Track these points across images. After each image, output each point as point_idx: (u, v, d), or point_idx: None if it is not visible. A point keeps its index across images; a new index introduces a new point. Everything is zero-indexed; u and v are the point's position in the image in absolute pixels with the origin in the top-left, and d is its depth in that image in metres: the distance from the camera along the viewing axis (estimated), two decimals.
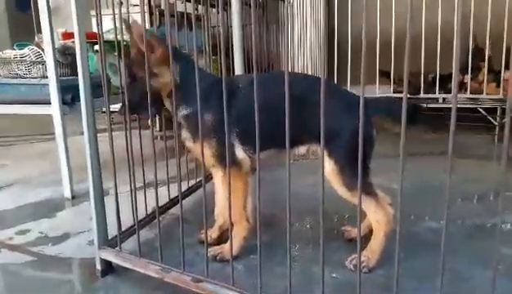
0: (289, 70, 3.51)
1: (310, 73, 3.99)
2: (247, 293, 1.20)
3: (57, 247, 1.76)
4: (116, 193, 1.47)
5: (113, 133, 1.44)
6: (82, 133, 1.45)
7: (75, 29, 1.37)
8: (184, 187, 2.10)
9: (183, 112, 1.51)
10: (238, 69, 2.54)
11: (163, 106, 1.56)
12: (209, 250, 1.50)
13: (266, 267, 1.47)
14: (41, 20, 2.10)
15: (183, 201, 1.94)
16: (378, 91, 3.54)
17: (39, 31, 2.23)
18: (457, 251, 1.59)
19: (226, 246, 1.45)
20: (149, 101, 1.32)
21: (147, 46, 1.33)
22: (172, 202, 1.94)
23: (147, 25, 4.73)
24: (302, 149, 1.54)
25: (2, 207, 2.22)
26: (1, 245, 1.78)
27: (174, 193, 1.96)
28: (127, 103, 1.40)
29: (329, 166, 1.41)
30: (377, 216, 1.45)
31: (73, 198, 2.27)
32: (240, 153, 1.50)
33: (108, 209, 1.52)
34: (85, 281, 1.51)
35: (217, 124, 1.43)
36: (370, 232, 1.51)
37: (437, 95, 3.49)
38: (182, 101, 1.48)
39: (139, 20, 1.45)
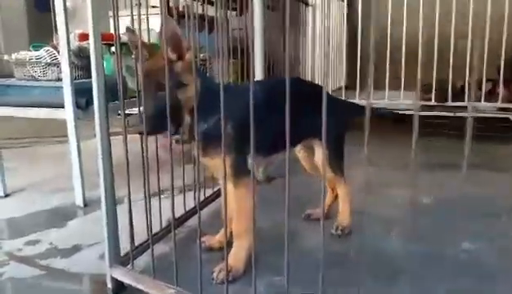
0: (309, 75, 3.39)
1: (330, 77, 3.87)
2: None
3: (67, 261, 1.66)
4: (130, 205, 1.37)
5: (129, 136, 1.36)
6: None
7: (90, 31, 1.28)
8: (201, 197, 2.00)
9: (201, 128, 1.40)
10: (258, 74, 2.43)
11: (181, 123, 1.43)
12: (214, 273, 1.46)
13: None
14: (57, 21, 2.02)
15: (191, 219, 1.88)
16: (403, 97, 3.39)
17: (57, 32, 2.16)
18: (494, 275, 1.47)
19: (233, 261, 1.48)
20: (168, 116, 1.21)
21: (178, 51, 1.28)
22: (189, 213, 1.84)
23: None
24: (298, 147, 1.89)
25: (12, 215, 2.14)
26: (9, 257, 1.69)
27: (191, 202, 1.87)
28: (144, 120, 1.27)
29: (321, 154, 1.73)
30: (345, 190, 1.86)
31: (85, 205, 2.18)
32: (249, 161, 1.48)
33: (120, 220, 1.42)
34: None
35: (236, 136, 1.42)
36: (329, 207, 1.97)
37: (465, 103, 3.32)
38: (200, 116, 1.37)
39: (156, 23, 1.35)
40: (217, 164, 1.39)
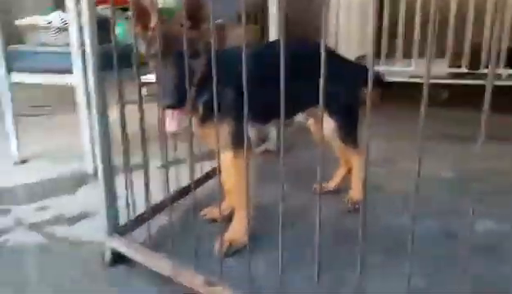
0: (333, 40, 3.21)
1: (356, 43, 3.68)
2: None
3: (71, 228, 1.67)
4: (126, 174, 1.33)
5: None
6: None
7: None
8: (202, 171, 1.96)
9: (204, 97, 1.33)
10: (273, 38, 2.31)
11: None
12: (215, 247, 1.43)
13: (292, 266, 1.33)
14: None
15: (201, 187, 1.83)
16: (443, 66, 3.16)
17: None
18: None
19: (230, 235, 1.46)
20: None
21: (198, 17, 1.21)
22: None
23: None
24: (300, 116, 1.76)
25: (26, 181, 2.17)
26: (18, 222, 1.71)
27: (197, 175, 1.83)
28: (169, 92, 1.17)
29: (329, 125, 1.61)
30: (359, 162, 1.75)
31: (95, 174, 2.18)
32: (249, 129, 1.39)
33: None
34: (94, 269, 1.40)
35: (236, 103, 1.30)
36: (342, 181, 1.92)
37: (501, 70, 3.07)
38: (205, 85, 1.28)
39: None
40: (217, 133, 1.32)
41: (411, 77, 3.15)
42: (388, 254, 1.43)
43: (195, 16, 1.23)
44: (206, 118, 1.37)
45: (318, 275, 0.93)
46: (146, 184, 1.35)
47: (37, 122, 3.42)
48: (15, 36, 2.49)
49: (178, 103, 1.18)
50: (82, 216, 1.76)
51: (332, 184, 1.94)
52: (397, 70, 3.22)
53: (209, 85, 1.29)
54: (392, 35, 3.25)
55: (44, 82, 2.22)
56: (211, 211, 1.68)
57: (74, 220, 1.75)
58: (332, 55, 1.69)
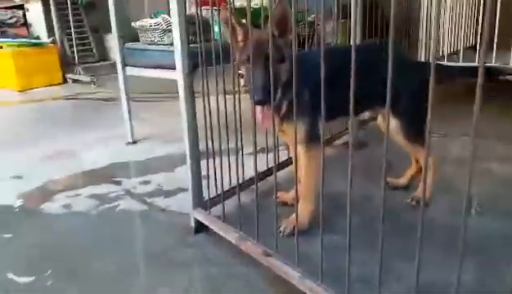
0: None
1: (456, 35, 3.54)
2: (309, 279, 1.21)
3: (167, 200, 2.00)
4: (207, 159, 1.59)
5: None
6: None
7: (174, 6, 1.47)
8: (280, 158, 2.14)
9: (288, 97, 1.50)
10: (354, 34, 2.40)
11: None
12: (281, 226, 1.61)
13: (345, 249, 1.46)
14: None
15: (279, 172, 2.01)
16: None
17: None
18: None
19: (298, 218, 1.54)
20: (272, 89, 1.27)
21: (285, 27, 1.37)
22: (270, 170, 2.01)
23: None
24: (366, 114, 1.87)
25: (136, 158, 2.59)
26: (126, 192, 2.10)
27: (271, 162, 2.02)
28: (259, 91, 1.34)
29: (394, 123, 1.70)
30: (429, 162, 1.75)
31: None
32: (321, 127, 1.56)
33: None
34: (181, 236, 1.69)
35: (311, 102, 1.49)
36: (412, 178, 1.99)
37: None
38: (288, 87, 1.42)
39: None
40: (294, 129, 1.48)
41: None
42: (445, 251, 1.49)
43: (282, 25, 1.39)
44: (287, 116, 1.55)
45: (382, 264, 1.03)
46: (219, 171, 1.60)
47: (150, 107, 3.93)
48: (135, 35, 2.93)
49: (266, 100, 1.33)
50: (177, 191, 2.09)
51: (403, 181, 2.01)
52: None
53: (289, 88, 1.49)
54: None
55: (151, 75, 2.60)
56: (283, 195, 1.88)
57: (170, 193, 2.08)
58: (397, 57, 1.77)
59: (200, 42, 1.54)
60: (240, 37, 1.48)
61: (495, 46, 3.03)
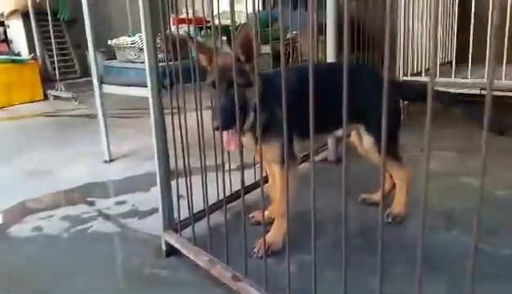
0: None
1: (427, 50, 3.58)
2: None
3: (141, 221, 1.97)
4: (177, 178, 1.56)
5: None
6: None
7: (142, 24, 1.46)
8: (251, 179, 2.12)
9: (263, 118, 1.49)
10: (330, 50, 2.42)
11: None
12: (254, 247, 1.60)
13: (319, 270, 1.44)
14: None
15: (248, 195, 1.98)
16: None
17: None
18: None
19: (269, 238, 1.59)
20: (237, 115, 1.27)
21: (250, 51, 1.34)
22: (246, 188, 1.99)
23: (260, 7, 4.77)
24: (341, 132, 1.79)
25: (112, 177, 2.56)
26: (99, 213, 2.06)
27: (248, 180, 2.00)
28: (219, 117, 1.34)
29: (367, 138, 1.74)
30: (402, 176, 1.82)
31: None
32: (296, 146, 1.61)
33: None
34: (153, 258, 1.65)
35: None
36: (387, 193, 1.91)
37: None
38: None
39: None
40: (268, 149, 1.53)
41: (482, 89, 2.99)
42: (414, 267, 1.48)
43: (247, 50, 1.38)
44: (261, 137, 1.53)
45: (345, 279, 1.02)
46: (189, 192, 1.57)
47: (130, 124, 3.89)
48: (110, 52, 2.92)
49: (224, 126, 1.35)
50: (152, 212, 2.05)
51: (378, 197, 2.00)
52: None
53: (265, 108, 1.48)
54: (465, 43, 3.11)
55: (127, 93, 2.58)
56: (258, 215, 1.86)
57: (144, 214, 2.04)
58: (368, 74, 1.82)
59: (175, 60, 1.52)
60: (207, 62, 1.49)
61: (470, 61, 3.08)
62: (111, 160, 2.84)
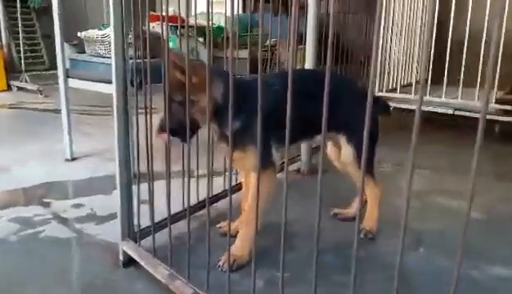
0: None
1: (403, 67, 3.60)
2: None
3: (99, 227, 1.83)
4: (138, 184, 1.46)
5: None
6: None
7: (111, 19, 1.36)
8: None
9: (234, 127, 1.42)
10: (309, 61, 2.37)
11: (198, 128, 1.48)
12: (220, 261, 1.51)
13: (289, 285, 1.37)
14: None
15: (217, 203, 1.91)
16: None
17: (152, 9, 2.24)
18: None
19: (234, 251, 1.52)
20: (188, 128, 1.27)
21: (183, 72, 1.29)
22: (212, 198, 1.90)
23: (240, 11, 4.70)
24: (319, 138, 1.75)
25: (72, 177, 2.40)
26: (53, 216, 1.91)
27: (215, 188, 1.91)
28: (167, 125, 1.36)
29: (347, 150, 1.70)
30: (374, 192, 1.78)
31: (134, 176, 2.34)
32: (274, 152, 1.56)
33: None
34: (109, 268, 1.53)
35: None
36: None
37: None
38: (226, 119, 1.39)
39: None
40: (245, 157, 1.48)
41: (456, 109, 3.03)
42: (384, 289, 1.43)
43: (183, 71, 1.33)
44: (235, 146, 1.46)
45: None
46: (151, 199, 1.47)
47: (96, 121, 3.72)
48: (81, 46, 2.77)
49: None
50: (111, 217, 1.91)
51: (351, 211, 1.95)
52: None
53: (240, 116, 1.40)
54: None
55: (93, 89, 2.44)
56: (226, 226, 1.76)
57: (103, 219, 1.91)
58: (350, 85, 1.82)
59: (146, 58, 1.42)
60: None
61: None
62: (73, 159, 2.68)
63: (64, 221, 1.87)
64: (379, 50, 3.36)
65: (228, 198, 1.92)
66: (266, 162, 1.52)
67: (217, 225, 1.79)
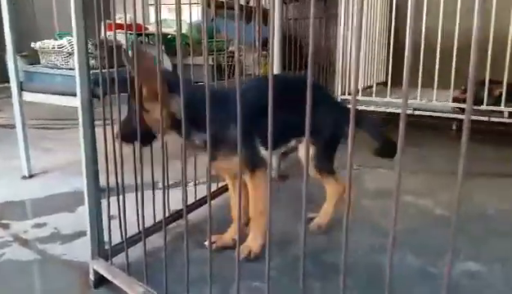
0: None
1: (364, 70, 3.69)
2: None
3: (65, 247, 1.73)
4: (108, 197, 1.40)
5: None
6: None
7: (74, 27, 1.30)
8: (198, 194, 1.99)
9: (204, 137, 1.38)
10: (275, 67, 2.36)
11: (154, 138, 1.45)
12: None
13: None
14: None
15: (196, 211, 1.86)
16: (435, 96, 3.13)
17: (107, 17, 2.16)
18: None
19: (251, 245, 1.58)
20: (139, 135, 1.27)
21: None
22: (188, 207, 1.84)
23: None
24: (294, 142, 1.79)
25: (30, 196, 2.26)
26: (14, 238, 1.79)
27: (190, 198, 1.87)
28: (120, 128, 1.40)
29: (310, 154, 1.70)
30: (333, 189, 1.83)
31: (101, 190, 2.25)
32: (263, 152, 1.57)
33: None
34: (78, 290, 1.45)
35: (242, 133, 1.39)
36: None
37: (502, 108, 3.00)
38: (197, 128, 1.35)
39: None
40: (232, 163, 1.44)
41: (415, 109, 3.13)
42: (361, 290, 1.43)
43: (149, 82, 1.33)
44: (214, 154, 1.44)
45: None
46: (123, 214, 1.41)
47: (54, 136, 3.56)
48: (34, 57, 2.63)
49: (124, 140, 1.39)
50: (77, 235, 1.82)
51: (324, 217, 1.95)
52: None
53: (215, 125, 1.37)
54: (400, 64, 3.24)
55: (51, 102, 2.32)
56: (220, 239, 1.70)
57: (69, 238, 1.80)
58: (320, 91, 1.86)
59: (110, 67, 1.36)
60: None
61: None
62: (31, 176, 2.53)
63: (25, 243, 1.75)
64: (340, 55, 3.42)
65: (199, 209, 1.91)
66: (255, 162, 1.55)
67: (206, 243, 1.69)
